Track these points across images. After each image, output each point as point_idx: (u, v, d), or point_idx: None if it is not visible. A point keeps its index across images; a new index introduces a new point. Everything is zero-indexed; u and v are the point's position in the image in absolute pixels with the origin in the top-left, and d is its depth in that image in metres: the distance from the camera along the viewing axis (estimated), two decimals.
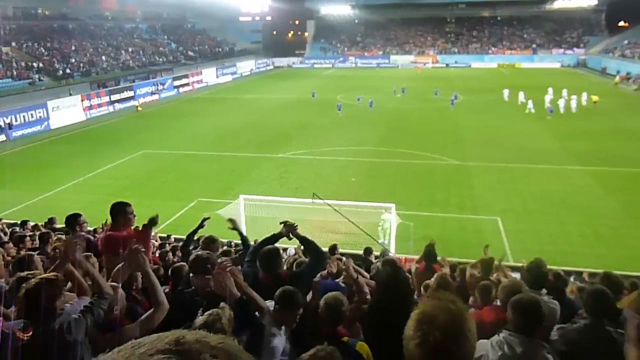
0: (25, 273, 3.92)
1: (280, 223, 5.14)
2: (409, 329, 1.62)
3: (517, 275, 5.41)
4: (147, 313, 3.49)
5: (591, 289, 4.10)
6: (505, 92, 46.67)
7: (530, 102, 40.48)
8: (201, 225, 7.56)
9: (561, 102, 39.74)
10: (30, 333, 3.02)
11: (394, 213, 16.60)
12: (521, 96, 43.61)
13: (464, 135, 33.12)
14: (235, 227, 6.96)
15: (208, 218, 7.92)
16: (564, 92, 42.55)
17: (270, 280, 4.32)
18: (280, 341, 3.53)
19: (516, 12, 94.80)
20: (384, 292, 4.20)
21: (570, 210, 19.89)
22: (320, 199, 15.63)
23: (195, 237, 7.88)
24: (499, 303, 4.54)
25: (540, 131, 33.82)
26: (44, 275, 3.36)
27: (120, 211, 5.40)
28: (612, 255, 16.05)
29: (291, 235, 5.11)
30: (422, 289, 5.66)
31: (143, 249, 3.59)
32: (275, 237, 5.08)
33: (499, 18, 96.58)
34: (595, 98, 41.95)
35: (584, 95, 42.17)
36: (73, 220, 6.48)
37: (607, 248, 16.67)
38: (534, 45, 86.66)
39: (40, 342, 3.02)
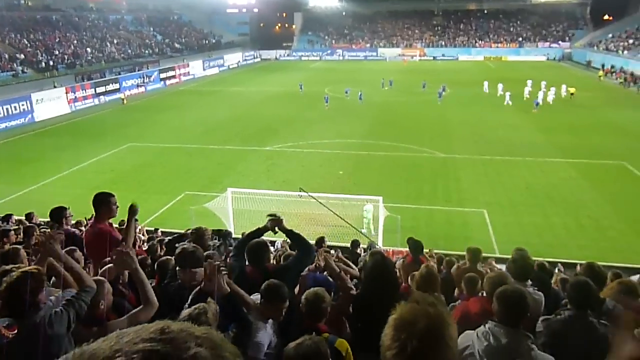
0: (10, 266, 3.89)
1: (267, 216, 5.09)
2: (386, 337, 1.53)
3: (502, 267, 5.47)
4: (136, 310, 3.47)
5: (574, 281, 4.17)
6: (485, 84, 47.57)
7: (507, 94, 41.23)
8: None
9: (540, 95, 40.59)
10: (15, 331, 2.99)
11: (382, 206, 16.68)
12: (499, 88, 44.48)
13: (451, 128, 33.30)
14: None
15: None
16: (542, 84, 43.66)
17: (257, 273, 4.32)
18: (265, 335, 3.54)
19: (502, 5, 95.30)
20: (370, 283, 4.23)
21: (554, 203, 20.14)
22: (307, 192, 15.66)
23: (185, 230, 7.79)
24: (484, 294, 4.58)
25: (525, 124, 34.13)
26: (26, 268, 3.33)
27: (103, 201, 5.35)
28: (595, 246, 16.31)
29: (277, 229, 5.05)
30: (409, 280, 5.70)
31: (130, 249, 3.57)
32: (260, 231, 5.02)
33: (485, 11, 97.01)
34: (572, 90, 43.22)
35: (563, 87, 43.39)
36: (58, 214, 6.41)
37: (590, 239, 16.94)
38: (520, 39, 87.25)
39: (22, 336, 3.00)
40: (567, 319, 3.85)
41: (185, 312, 2.90)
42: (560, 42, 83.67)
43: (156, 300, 3.53)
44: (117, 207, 5.54)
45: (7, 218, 12.10)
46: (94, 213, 5.46)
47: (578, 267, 8.51)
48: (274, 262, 6.85)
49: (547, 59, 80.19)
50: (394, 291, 4.00)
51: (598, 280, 4.55)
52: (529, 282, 4.81)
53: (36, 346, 2.98)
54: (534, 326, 3.95)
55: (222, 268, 3.49)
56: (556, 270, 9.83)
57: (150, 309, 3.49)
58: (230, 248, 7.13)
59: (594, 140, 29.27)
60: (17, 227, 9.17)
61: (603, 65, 60.69)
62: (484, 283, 4.62)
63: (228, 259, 5.45)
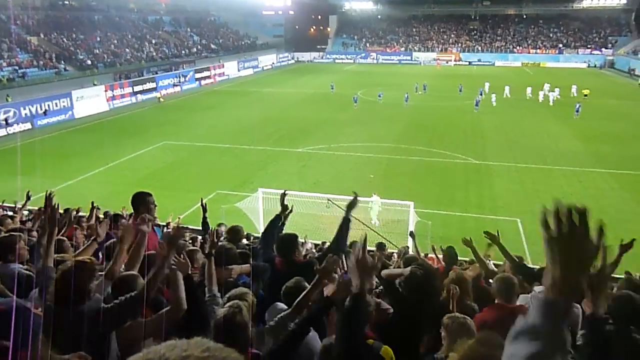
0: (57, 256, 4.02)
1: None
2: None
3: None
4: (167, 310, 3.46)
5: (617, 294, 4.00)
6: (507, 89, 47.89)
7: (551, 94, 44.10)
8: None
9: (540, 94, 44.22)
10: (39, 309, 3.03)
11: (412, 211, 16.50)
12: (546, 89, 45.83)
13: (485, 134, 32.73)
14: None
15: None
16: (546, 85, 46.46)
17: (285, 266, 4.31)
18: (315, 338, 3.44)
19: (542, 10, 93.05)
20: (411, 293, 4.13)
21: (592, 213, 19.43)
22: (334, 203, 15.81)
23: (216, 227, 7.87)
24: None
25: (562, 132, 33.25)
26: (79, 258, 3.41)
27: (141, 201, 5.41)
28: (636, 260, 15.68)
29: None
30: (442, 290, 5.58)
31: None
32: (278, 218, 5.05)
33: (524, 16, 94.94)
34: (586, 92, 45.03)
35: (573, 87, 47.00)
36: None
37: (629, 254, 16.29)
38: (560, 45, 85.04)
39: (67, 322, 3.06)
40: (609, 333, 3.70)
41: (221, 311, 2.89)
42: (602, 48, 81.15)
43: (185, 304, 3.48)
44: (156, 206, 5.58)
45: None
46: (133, 212, 5.52)
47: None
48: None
49: (588, 66, 77.90)
50: (435, 304, 3.88)
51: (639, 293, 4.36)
52: None
53: (82, 334, 3.03)
54: (573, 341, 3.81)
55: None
56: None
57: (177, 312, 3.46)
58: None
59: (636, 151, 28.25)
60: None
61: (634, 71, 59.11)
62: (493, 284, 4.50)
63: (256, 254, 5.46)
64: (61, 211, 7.75)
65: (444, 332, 3.27)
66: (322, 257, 5.37)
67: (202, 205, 7.30)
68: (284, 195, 5.51)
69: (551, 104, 43.15)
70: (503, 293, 4.32)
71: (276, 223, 5.04)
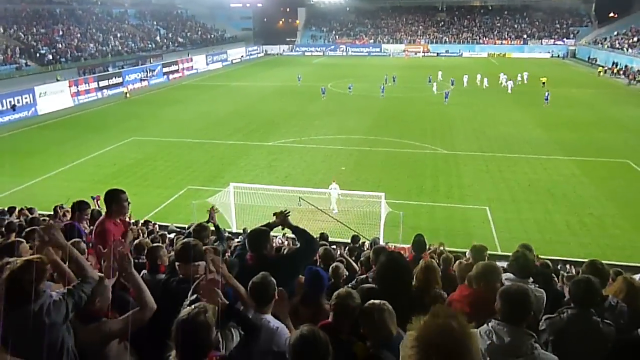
0: (13, 259, 3.90)
1: (274, 214, 5.12)
2: (409, 355, 1.48)
3: (503, 264, 5.44)
4: (134, 311, 3.46)
5: (577, 279, 4.13)
6: (477, 76, 50.71)
7: (510, 83, 46.76)
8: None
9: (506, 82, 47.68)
10: None
11: (384, 202, 16.66)
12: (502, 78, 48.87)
13: (453, 125, 33.22)
14: (210, 219, 6.76)
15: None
16: (502, 75, 49.98)
17: (256, 260, 4.30)
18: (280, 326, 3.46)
19: (507, 1, 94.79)
20: (382, 280, 4.18)
21: (556, 200, 20.10)
22: (307, 202, 15.91)
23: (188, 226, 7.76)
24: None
25: (527, 121, 34.05)
26: (28, 258, 3.34)
27: (114, 198, 5.34)
28: (597, 244, 16.29)
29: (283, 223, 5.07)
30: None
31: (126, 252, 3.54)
32: (269, 226, 5.02)
33: (490, 7, 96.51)
34: (543, 79, 47.48)
35: (525, 74, 50.74)
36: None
37: (592, 237, 16.91)
38: (525, 36, 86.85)
39: (19, 323, 3.01)
40: (570, 317, 3.82)
41: (184, 310, 2.87)
42: (564, 39, 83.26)
43: (153, 302, 3.49)
44: (129, 203, 5.51)
45: (10, 211, 12.07)
46: (105, 209, 5.43)
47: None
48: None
49: (552, 56, 79.88)
50: (408, 290, 3.93)
51: (601, 278, 4.51)
52: (531, 279, 4.78)
53: (35, 334, 2.99)
54: (536, 324, 3.93)
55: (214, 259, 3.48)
56: (559, 267, 9.80)
57: (147, 311, 3.47)
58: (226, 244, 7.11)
59: (597, 138, 29.19)
60: (19, 219, 9.17)
61: (595, 61, 63.70)
62: (472, 273, 4.58)
63: (228, 255, 5.44)
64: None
65: (361, 317, 3.32)
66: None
67: (210, 212, 6.97)
68: (285, 216, 5.16)
69: (509, 92, 45.39)
70: (481, 281, 4.37)
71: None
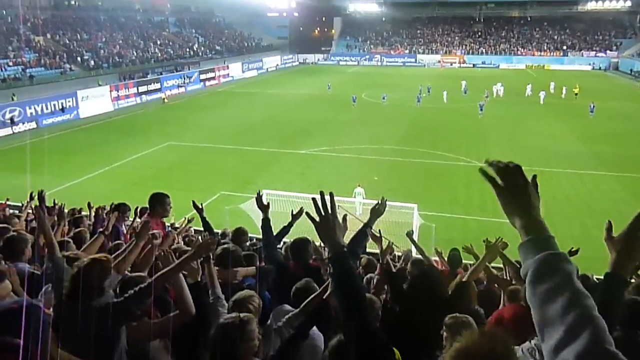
0: (69, 253, 4.08)
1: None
2: None
3: None
4: (172, 314, 3.50)
5: (624, 299, 3.99)
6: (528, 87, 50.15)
7: (542, 93, 45.79)
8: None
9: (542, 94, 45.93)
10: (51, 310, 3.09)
11: (416, 213, 16.51)
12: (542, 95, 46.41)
13: (487, 136, 32.69)
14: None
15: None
16: (528, 86, 49.63)
17: (300, 269, 4.32)
18: (319, 339, 3.46)
19: (546, 12, 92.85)
20: (415, 293, 4.13)
21: (594, 215, 19.47)
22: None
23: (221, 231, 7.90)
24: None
25: (564, 133, 33.23)
26: (95, 256, 3.48)
27: (159, 201, 5.52)
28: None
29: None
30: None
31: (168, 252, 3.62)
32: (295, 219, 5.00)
33: (528, 18, 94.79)
34: (576, 90, 46.76)
35: (564, 88, 48.14)
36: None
37: None
38: (565, 47, 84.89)
39: (84, 318, 3.11)
40: (617, 340, 3.68)
41: (227, 316, 2.87)
42: (607, 51, 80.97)
43: (193, 308, 3.49)
44: (171, 207, 5.70)
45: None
46: (149, 210, 5.62)
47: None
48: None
49: (593, 68, 77.72)
50: (441, 305, 3.86)
51: None
52: None
53: (93, 330, 3.08)
54: None
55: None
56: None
57: (185, 316, 3.48)
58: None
59: (638, 152, 28.18)
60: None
61: (638, 74, 62.11)
62: (522, 291, 4.49)
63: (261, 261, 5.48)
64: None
65: (446, 332, 3.27)
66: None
67: (195, 206, 7.29)
68: (259, 198, 5.31)
69: (542, 102, 44.85)
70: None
71: (266, 226, 5.02)
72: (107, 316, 3.15)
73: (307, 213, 2.22)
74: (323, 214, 2.10)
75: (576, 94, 46.29)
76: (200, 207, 7.17)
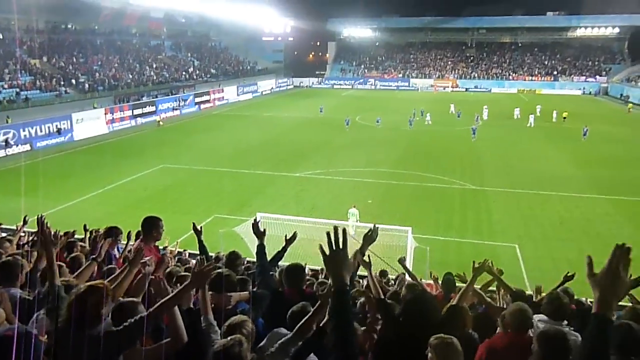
0: (62, 279, 4.04)
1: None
2: None
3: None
4: (167, 341, 3.44)
5: (616, 324, 3.98)
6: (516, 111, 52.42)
7: (531, 116, 46.77)
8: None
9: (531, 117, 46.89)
10: (45, 337, 3.05)
11: (411, 236, 16.49)
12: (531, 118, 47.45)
13: (482, 159, 32.92)
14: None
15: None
16: (516, 110, 51.96)
17: (296, 295, 4.29)
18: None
19: (537, 38, 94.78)
20: (408, 319, 4.10)
21: (589, 239, 19.53)
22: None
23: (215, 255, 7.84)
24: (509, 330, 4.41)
25: (558, 156, 33.52)
26: (92, 283, 3.44)
27: (153, 225, 5.50)
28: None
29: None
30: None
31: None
32: (280, 253, 5.02)
33: (519, 44, 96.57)
34: (565, 114, 48.24)
35: (554, 113, 49.19)
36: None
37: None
38: (555, 72, 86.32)
39: (81, 346, 3.07)
40: None
41: (220, 342, 2.86)
42: (596, 76, 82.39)
43: (185, 335, 3.42)
44: (163, 230, 5.68)
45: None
46: (142, 234, 5.58)
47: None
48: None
49: (583, 92, 78.94)
50: (435, 329, 3.83)
51: None
52: (565, 322, 4.64)
53: (91, 357, 3.04)
54: None
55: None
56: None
57: (177, 343, 3.41)
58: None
59: (632, 176, 28.43)
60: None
61: (627, 98, 65.53)
62: (506, 316, 4.45)
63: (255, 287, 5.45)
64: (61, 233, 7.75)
65: (431, 353, 3.23)
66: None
67: (195, 229, 7.28)
68: (256, 224, 5.23)
69: (529, 125, 45.86)
70: (517, 324, 4.26)
71: (261, 252, 5.01)
72: (103, 345, 3.11)
73: (320, 246, 2.32)
74: (334, 248, 2.25)
75: (564, 118, 47.76)
76: (200, 229, 7.15)
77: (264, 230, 5.20)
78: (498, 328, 4.76)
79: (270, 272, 5.05)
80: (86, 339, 3.07)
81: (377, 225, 4.15)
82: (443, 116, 51.90)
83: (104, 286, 3.37)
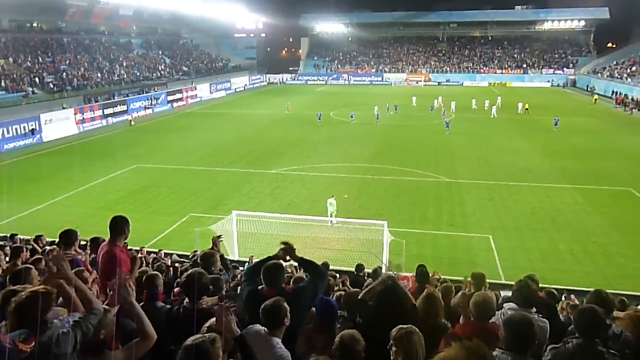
0: (19, 287, 3.95)
1: (281, 243, 4.91)
2: None
3: (507, 294, 5.45)
4: (136, 341, 3.46)
5: (582, 308, 4.13)
6: (473, 101, 55.03)
7: (494, 107, 49.33)
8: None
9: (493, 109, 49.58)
10: (32, 344, 3.02)
11: (386, 230, 16.65)
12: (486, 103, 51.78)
13: (455, 153, 33.39)
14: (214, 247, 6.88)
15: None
16: (486, 101, 53.57)
17: (274, 294, 4.31)
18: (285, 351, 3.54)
19: (506, 32, 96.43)
20: (378, 311, 4.19)
21: (559, 228, 20.05)
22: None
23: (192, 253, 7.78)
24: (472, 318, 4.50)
25: (529, 149, 34.21)
26: (35, 288, 3.38)
27: (122, 224, 5.44)
28: (601, 272, 16.18)
29: (288, 258, 4.91)
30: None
31: (129, 278, 3.61)
32: (270, 259, 4.95)
33: (490, 38, 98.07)
34: (526, 106, 50.59)
35: (519, 105, 51.33)
36: (68, 237, 6.40)
37: (597, 266, 16.80)
38: (525, 65, 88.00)
39: (30, 354, 3.03)
40: (575, 347, 3.80)
41: (191, 337, 2.85)
42: (564, 68, 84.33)
43: (154, 332, 3.49)
44: (130, 230, 5.65)
45: (12, 237, 12.11)
46: (110, 234, 5.52)
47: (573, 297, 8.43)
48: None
49: (552, 85, 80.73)
50: (406, 320, 3.90)
51: (606, 308, 4.51)
52: (534, 309, 4.78)
53: None
54: (540, 354, 3.92)
55: (231, 308, 3.46)
56: (563, 298, 9.75)
57: (147, 342, 3.47)
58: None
59: (599, 166, 29.27)
60: (27, 245, 9.19)
61: (594, 89, 67.23)
62: (470, 307, 4.54)
63: (239, 286, 5.43)
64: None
65: (394, 345, 3.28)
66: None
67: (214, 241, 7.06)
68: (292, 249, 4.92)
69: (493, 116, 48.03)
70: (481, 313, 4.36)
71: (263, 262, 4.90)
72: (54, 348, 3.10)
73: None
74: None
75: (527, 109, 50.06)
76: (216, 242, 6.99)
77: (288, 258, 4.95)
78: (461, 318, 4.85)
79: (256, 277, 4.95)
80: (36, 346, 3.05)
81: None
82: (416, 110, 52.42)
83: (47, 290, 3.33)
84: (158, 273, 6.02)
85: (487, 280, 7.02)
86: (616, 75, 66.64)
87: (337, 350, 3.39)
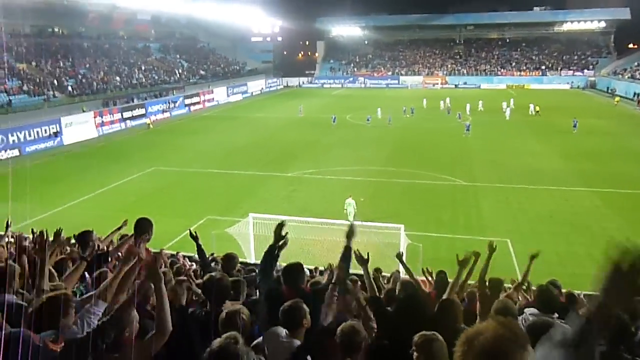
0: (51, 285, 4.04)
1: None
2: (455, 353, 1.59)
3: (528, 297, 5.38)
4: (153, 333, 3.43)
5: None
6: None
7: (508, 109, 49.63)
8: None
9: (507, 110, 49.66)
10: (62, 344, 3.06)
11: (403, 234, 16.56)
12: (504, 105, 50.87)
13: (472, 156, 33.10)
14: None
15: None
16: (503, 103, 52.20)
17: (294, 294, 4.30)
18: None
19: (525, 34, 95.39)
20: (400, 317, 4.15)
21: (577, 232, 19.73)
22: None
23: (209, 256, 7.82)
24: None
25: (547, 151, 33.77)
26: (57, 292, 3.42)
27: (147, 226, 5.51)
28: None
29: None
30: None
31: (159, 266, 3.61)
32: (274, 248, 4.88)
33: (507, 40, 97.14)
34: (537, 108, 50.33)
35: (531, 106, 50.88)
36: (84, 237, 6.50)
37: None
38: (543, 67, 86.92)
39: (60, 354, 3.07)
40: (600, 355, 3.72)
41: (215, 341, 2.84)
42: (584, 70, 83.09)
43: (170, 327, 3.42)
44: (153, 232, 5.74)
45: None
46: (134, 235, 5.62)
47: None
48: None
49: (571, 87, 79.60)
50: (427, 326, 3.88)
51: (632, 316, 4.42)
52: (555, 314, 4.71)
53: None
54: None
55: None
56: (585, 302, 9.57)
57: (163, 335, 3.41)
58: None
59: (619, 169, 28.75)
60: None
61: (614, 91, 66.02)
62: (492, 312, 4.49)
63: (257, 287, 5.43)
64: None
65: (416, 352, 3.26)
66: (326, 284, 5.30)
67: (191, 235, 7.23)
68: (281, 225, 4.87)
69: (507, 118, 47.98)
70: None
71: (272, 254, 4.82)
72: (72, 354, 3.09)
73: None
74: None
75: (537, 112, 49.75)
76: (195, 234, 7.11)
77: (286, 234, 4.86)
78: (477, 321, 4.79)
79: (272, 273, 4.94)
80: (65, 346, 3.07)
81: (353, 224, 4.40)
82: (432, 113, 52.15)
83: (65, 295, 3.35)
84: (184, 279, 6.07)
85: (505, 285, 6.94)
86: (638, 76, 65.45)
87: (338, 338, 3.47)
